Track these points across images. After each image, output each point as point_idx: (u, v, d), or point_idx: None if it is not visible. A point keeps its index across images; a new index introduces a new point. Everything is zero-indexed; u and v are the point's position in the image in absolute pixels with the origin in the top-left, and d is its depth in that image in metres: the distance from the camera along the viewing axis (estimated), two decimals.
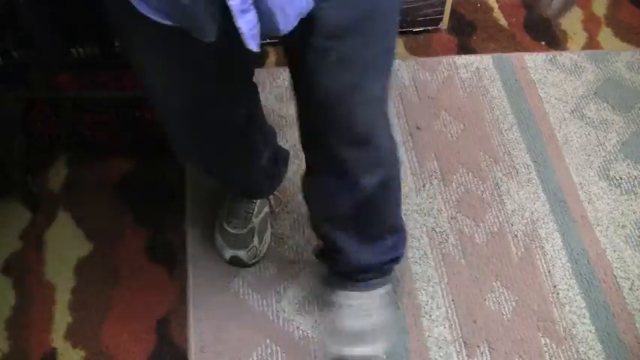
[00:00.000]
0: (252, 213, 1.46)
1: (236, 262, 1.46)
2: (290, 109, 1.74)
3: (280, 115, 1.72)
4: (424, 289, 1.46)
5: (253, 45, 0.81)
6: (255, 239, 1.46)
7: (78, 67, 1.72)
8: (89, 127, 1.58)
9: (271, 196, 1.52)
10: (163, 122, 1.13)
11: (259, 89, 1.78)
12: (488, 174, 1.65)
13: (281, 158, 1.47)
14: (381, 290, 1.31)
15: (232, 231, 1.45)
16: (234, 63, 1.02)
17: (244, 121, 1.19)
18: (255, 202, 1.47)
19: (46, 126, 1.58)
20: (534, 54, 1.91)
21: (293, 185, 1.59)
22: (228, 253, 1.46)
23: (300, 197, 1.57)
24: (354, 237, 1.21)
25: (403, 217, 1.55)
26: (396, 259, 1.30)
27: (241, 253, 1.45)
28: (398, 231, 1.28)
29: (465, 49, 1.93)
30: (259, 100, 1.30)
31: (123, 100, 1.55)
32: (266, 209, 1.51)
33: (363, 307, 1.29)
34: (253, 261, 1.47)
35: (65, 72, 1.70)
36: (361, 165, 1.07)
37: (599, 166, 1.67)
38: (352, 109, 0.99)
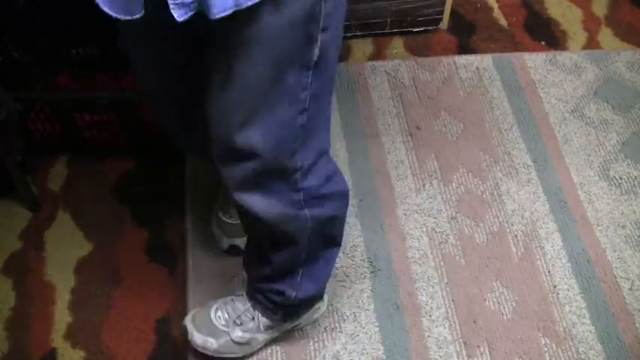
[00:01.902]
0: None
1: (235, 251, 1.46)
2: None
3: None
4: (424, 289, 1.46)
5: (177, 14, 0.81)
6: None
7: (77, 68, 1.72)
8: (89, 127, 1.58)
9: None
10: (158, 116, 1.19)
11: None
12: (488, 174, 1.65)
13: None
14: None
15: (229, 220, 1.46)
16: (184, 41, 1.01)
17: None
18: None
19: (45, 126, 1.58)
20: (534, 54, 1.91)
21: None
22: (226, 242, 1.46)
23: None
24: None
25: (403, 217, 1.56)
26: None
27: (239, 242, 1.45)
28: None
29: (464, 49, 1.93)
30: None
31: (122, 101, 1.55)
32: None
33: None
34: None
35: (65, 72, 1.70)
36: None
37: (599, 166, 1.67)
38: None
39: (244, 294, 1.32)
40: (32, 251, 1.51)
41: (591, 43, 1.97)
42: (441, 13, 1.92)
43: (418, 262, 1.50)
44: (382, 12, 1.87)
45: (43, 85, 1.69)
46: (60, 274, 1.48)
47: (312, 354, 1.37)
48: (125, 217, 1.56)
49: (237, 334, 1.29)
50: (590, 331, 1.41)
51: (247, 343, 1.31)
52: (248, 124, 0.95)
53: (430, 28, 1.95)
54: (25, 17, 1.62)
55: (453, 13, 1.96)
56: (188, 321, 1.31)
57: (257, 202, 1.05)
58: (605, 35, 1.99)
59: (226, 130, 0.97)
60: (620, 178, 1.65)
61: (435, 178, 1.63)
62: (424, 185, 1.62)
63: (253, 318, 1.29)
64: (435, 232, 1.54)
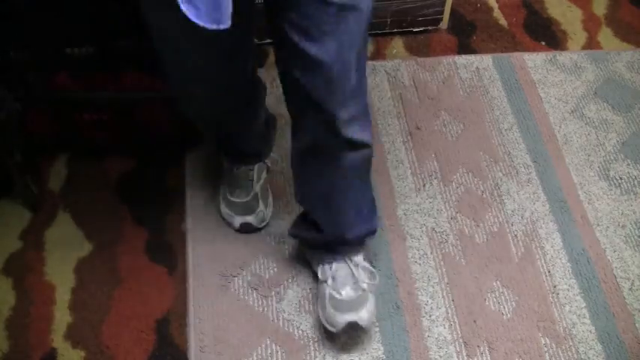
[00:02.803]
0: (252, 180, 1.51)
1: (246, 228, 1.50)
2: None
3: (280, 113, 1.71)
4: (424, 289, 1.46)
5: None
6: (261, 204, 1.51)
7: (77, 68, 1.72)
8: (88, 127, 1.58)
9: (267, 159, 1.57)
10: (182, 84, 1.22)
11: None
12: (488, 174, 1.65)
13: (271, 122, 1.57)
14: (361, 259, 1.37)
15: (237, 200, 1.50)
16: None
17: (252, 76, 1.32)
18: (252, 169, 1.51)
19: (45, 126, 1.58)
20: (534, 54, 1.91)
21: (292, 185, 1.59)
22: (238, 220, 1.50)
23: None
24: (335, 210, 1.31)
25: (403, 217, 1.56)
26: (372, 232, 1.38)
27: (250, 218, 1.49)
28: (372, 201, 1.37)
29: (464, 49, 1.93)
30: (257, 64, 1.39)
31: (122, 100, 1.55)
32: (264, 175, 1.55)
33: (348, 277, 1.35)
34: (263, 224, 1.52)
35: (64, 72, 1.70)
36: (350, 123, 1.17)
37: (599, 166, 1.67)
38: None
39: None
40: (32, 251, 1.51)
41: (591, 43, 1.97)
42: (441, 13, 1.92)
43: (418, 262, 1.50)
44: (382, 12, 1.87)
45: (42, 84, 1.69)
46: (60, 274, 1.48)
47: (312, 354, 1.37)
48: (125, 217, 1.56)
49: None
50: (590, 331, 1.41)
51: None
52: (359, 63, 1.12)
53: (430, 28, 1.95)
54: (23, 17, 1.62)
55: (453, 13, 1.96)
56: None
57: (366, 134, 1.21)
58: (605, 35, 1.99)
59: (346, 74, 1.10)
60: (620, 178, 1.65)
61: (435, 178, 1.63)
62: (424, 185, 1.62)
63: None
64: (435, 232, 1.54)
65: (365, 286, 1.33)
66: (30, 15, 1.62)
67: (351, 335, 1.38)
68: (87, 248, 1.51)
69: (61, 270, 1.48)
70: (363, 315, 1.31)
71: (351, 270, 1.35)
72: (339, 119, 1.14)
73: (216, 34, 0.95)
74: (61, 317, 1.42)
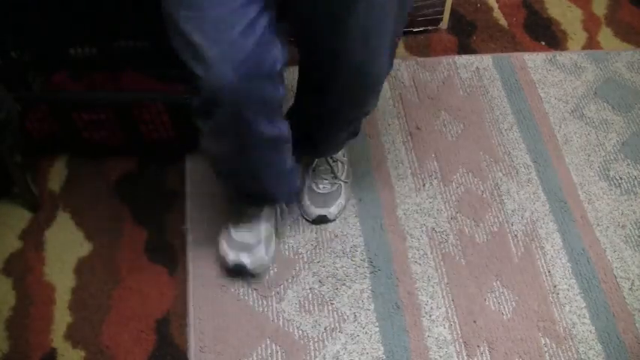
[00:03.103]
0: (259, 220, 1.43)
1: (239, 269, 1.42)
2: None
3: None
4: (424, 289, 1.46)
5: None
6: (262, 246, 1.43)
7: (76, 68, 1.72)
8: (87, 127, 1.58)
9: (279, 207, 1.50)
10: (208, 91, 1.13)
11: None
12: (488, 174, 1.65)
13: (296, 168, 1.44)
14: (341, 155, 1.57)
15: (237, 234, 1.42)
16: None
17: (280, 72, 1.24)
18: (263, 209, 1.44)
19: (44, 126, 1.58)
20: (534, 54, 1.91)
21: None
22: (232, 257, 1.41)
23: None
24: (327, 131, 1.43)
25: (403, 217, 1.56)
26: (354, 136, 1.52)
27: (244, 258, 1.41)
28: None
29: (464, 49, 1.93)
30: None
31: (121, 100, 1.55)
32: (279, 212, 1.49)
33: (327, 171, 1.54)
34: (258, 271, 1.45)
35: (64, 72, 1.70)
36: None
37: (599, 166, 1.67)
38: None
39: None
40: (32, 251, 1.51)
41: (591, 43, 1.97)
42: (441, 13, 1.92)
43: (418, 262, 1.50)
44: None
45: (41, 84, 1.69)
46: (60, 274, 1.48)
47: (312, 354, 1.37)
48: (125, 217, 1.56)
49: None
50: (590, 331, 1.41)
51: None
52: (385, 47, 1.17)
53: (430, 28, 1.95)
54: (23, 17, 1.62)
55: (453, 13, 1.96)
56: None
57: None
58: (605, 35, 1.99)
59: (382, 71, 1.21)
60: (620, 178, 1.65)
61: (435, 178, 1.63)
62: (424, 185, 1.62)
63: None
64: (435, 232, 1.54)
65: (343, 178, 1.55)
66: (30, 15, 1.62)
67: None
68: (87, 248, 1.51)
69: (61, 270, 1.48)
70: (332, 210, 1.53)
71: (331, 166, 1.54)
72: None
73: None
74: (61, 317, 1.42)
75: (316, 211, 1.53)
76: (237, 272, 1.44)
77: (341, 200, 1.55)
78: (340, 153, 1.57)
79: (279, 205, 1.49)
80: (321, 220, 1.53)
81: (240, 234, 1.42)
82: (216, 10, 1.01)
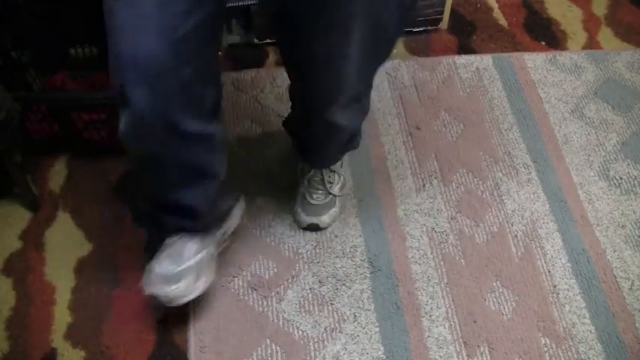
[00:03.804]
0: (182, 256, 1.30)
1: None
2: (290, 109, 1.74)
3: (280, 115, 1.72)
4: (424, 289, 1.46)
5: None
6: (184, 282, 1.29)
7: (76, 68, 1.72)
8: (87, 127, 1.58)
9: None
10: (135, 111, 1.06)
11: (259, 90, 1.79)
12: (488, 174, 1.65)
13: (227, 196, 1.40)
14: (338, 166, 1.56)
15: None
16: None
17: (215, 101, 1.15)
18: (187, 243, 1.32)
19: (44, 126, 1.58)
20: (534, 54, 1.91)
21: (293, 184, 1.59)
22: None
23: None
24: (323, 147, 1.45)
25: (403, 217, 1.56)
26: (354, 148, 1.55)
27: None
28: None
29: (464, 49, 1.93)
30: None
31: None
32: (203, 253, 1.33)
33: (321, 183, 1.53)
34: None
35: (63, 72, 1.70)
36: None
37: (599, 166, 1.67)
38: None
39: None
40: (32, 251, 1.51)
41: (591, 43, 1.97)
42: (441, 13, 1.92)
43: (418, 262, 1.50)
44: None
45: (41, 84, 1.69)
46: (60, 274, 1.48)
47: (312, 354, 1.37)
48: (125, 217, 1.56)
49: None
50: (590, 331, 1.41)
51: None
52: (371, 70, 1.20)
53: (430, 28, 1.95)
54: (23, 17, 1.62)
55: (453, 13, 1.96)
56: None
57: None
58: (605, 35, 1.99)
59: (358, 82, 1.19)
60: (620, 178, 1.65)
61: (435, 178, 1.63)
62: (424, 185, 1.62)
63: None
64: (435, 232, 1.54)
65: (336, 192, 1.54)
66: (30, 15, 1.62)
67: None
68: (87, 248, 1.51)
69: (61, 270, 1.48)
70: (324, 219, 1.52)
71: (324, 177, 1.52)
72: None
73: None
74: (61, 317, 1.42)
75: (307, 219, 1.52)
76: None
77: (335, 209, 1.54)
78: (338, 164, 1.55)
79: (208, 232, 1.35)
80: (313, 227, 1.52)
81: (161, 264, 1.29)
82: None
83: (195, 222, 1.29)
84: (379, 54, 1.18)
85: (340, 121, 1.28)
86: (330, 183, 1.53)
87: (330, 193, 1.53)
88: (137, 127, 1.06)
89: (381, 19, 1.06)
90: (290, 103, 1.50)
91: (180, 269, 1.27)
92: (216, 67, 1.16)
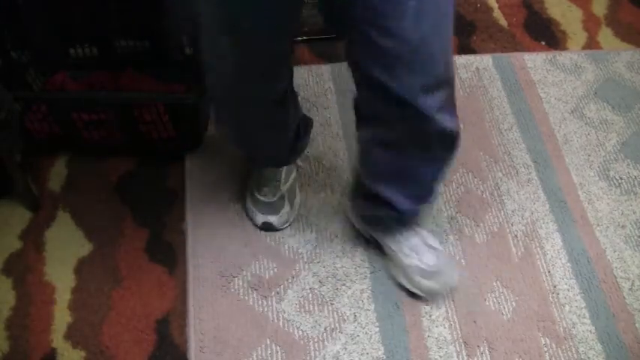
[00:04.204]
0: (279, 181, 1.51)
1: (267, 227, 1.51)
2: None
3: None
4: None
5: None
6: (286, 205, 1.51)
7: (76, 68, 1.72)
8: (87, 127, 1.58)
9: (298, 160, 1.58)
10: (218, 83, 1.21)
11: None
12: (488, 174, 1.65)
13: (304, 130, 1.50)
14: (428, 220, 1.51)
15: (263, 199, 1.50)
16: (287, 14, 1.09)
17: (285, 89, 1.27)
18: (281, 170, 1.51)
19: (44, 126, 1.58)
20: (534, 54, 1.91)
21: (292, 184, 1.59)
22: (260, 218, 1.51)
23: (301, 197, 1.57)
24: (400, 192, 1.32)
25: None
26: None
27: (273, 219, 1.50)
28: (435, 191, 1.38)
29: (464, 49, 1.93)
30: (292, 76, 1.33)
31: (121, 100, 1.55)
32: (293, 175, 1.55)
33: (421, 244, 1.43)
34: (285, 226, 1.53)
35: (63, 72, 1.70)
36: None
37: (599, 166, 1.67)
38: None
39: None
40: (32, 251, 1.51)
41: (591, 43, 1.97)
42: None
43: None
44: None
45: (41, 84, 1.69)
46: (60, 274, 1.48)
47: (312, 354, 1.37)
48: (125, 217, 1.56)
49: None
50: (590, 331, 1.41)
51: None
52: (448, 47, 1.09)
53: None
54: (23, 17, 1.62)
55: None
56: None
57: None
58: (605, 35, 1.99)
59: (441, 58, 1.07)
60: (620, 178, 1.65)
61: None
62: None
63: None
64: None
65: (439, 246, 1.46)
66: (30, 15, 1.62)
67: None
68: (87, 248, 1.51)
69: (61, 270, 1.48)
70: (450, 279, 1.44)
71: (422, 237, 1.44)
72: (427, 109, 1.09)
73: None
74: (61, 317, 1.42)
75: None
76: (266, 229, 1.52)
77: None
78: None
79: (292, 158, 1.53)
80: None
81: (265, 195, 1.50)
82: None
83: (285, 158, 1.50)
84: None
85: (445, 121, 1.16)
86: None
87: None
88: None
89: None
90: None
91: (279, 196, 1.50)
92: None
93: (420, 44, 1.02)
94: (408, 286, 1.43)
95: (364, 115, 1.21)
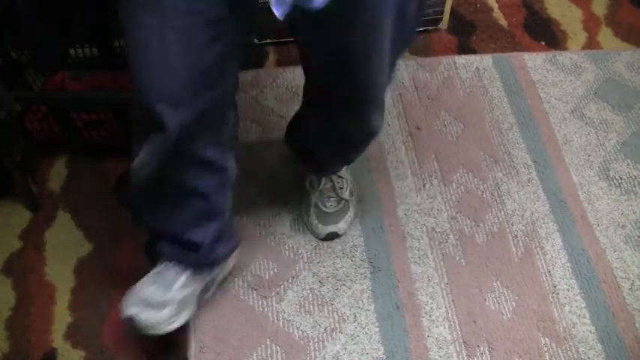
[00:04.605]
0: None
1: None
2: (290, 109, 1.74)
3: (280, 115, 1.72)
4: (424, 289, 1.46)
5: (278, 12, 0.88)
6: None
7: (76, 68, 1.72)
8: (87, 127, 1.58)
9: None
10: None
11: (259, 90, 1.78)
12: (488, 174, 1.65)
13: (232, 224, 1.38)
14: (344, 171, 1.55)
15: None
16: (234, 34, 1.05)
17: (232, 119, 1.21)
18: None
19: (44, 126, 1.58)
20: (534, 54, 1.91)
21: (293, 184, 1.59)
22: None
23: (297, 196, 1.57)
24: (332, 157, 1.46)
25: (404, 217, 1.56)
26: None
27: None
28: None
29: (464, 49, 1.93)
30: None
31: (121, 101, 1.55)
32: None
33: (332, 190, 1.53)
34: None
35: (63, 72, 1.70)
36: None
37: (599, 166, 1.67)
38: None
39: None
40: (32, 251, 1.51)
41: (591, 43, 1.97)
42: (441, 13, 1.92)
43: (418, 262, 1.50)
44: None
45: (41, 84, 1.69)
46: (60, 274, 1.48)
47: (312, 354, 1.37)
48: (125, 217, 1.55)
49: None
50: (590, 331, 1.41)
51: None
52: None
53: (430, 28, 1.95)
54: (23, 17, 1.62)
55: (453, 13, 1.96)
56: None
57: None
58: (605, 35, 1.99)
59: (380, 85, 1.18)
60: (620, 178, 1.65)
61: (435, 178, 1.63)
62: (424, 185, 1.62)
63: None
64: (435, 232, 1.54)
65: (347, 196, 1.52)
66: (30, 15, 1.62)
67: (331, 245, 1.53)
68: (87, 248, 1.51)
69: (61, 270, 1.48)
70: (341, 226, 1.52)
71: (334, 183, 1.51)
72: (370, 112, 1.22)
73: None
74: (61, 317, 1.42)
75: (325, 229, 1.51)
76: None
77: (349, 214, 1.54)
78: (344, 170, 1.55)
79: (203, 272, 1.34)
80: (332, 236, 1.52)
81: (147, 287, 1.29)
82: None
83: (193, 257, 1.28)
84: (402, 46, 1.22)
85: (375, 121, 1.26)
86: (341, 188, 1.53)
87: (342, 199, 1.53)
88: (164, 153, 1.08)
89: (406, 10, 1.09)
90: (295, 111, 1.48)
91: (165, 298, 1.27)
92: (235, 93, 1.18)
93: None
94: (308, 227, 1.53)
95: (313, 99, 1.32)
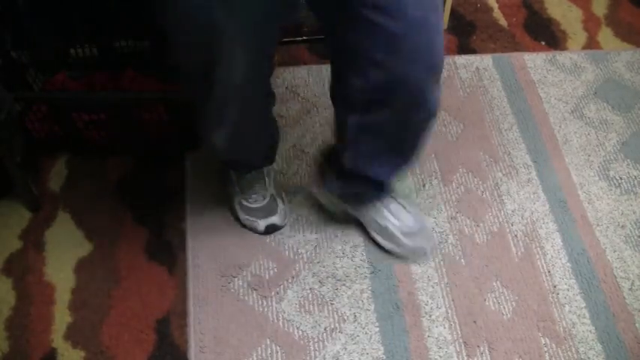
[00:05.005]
0: (265, 182, 1.53)
1: (272, 229, 1.52)
2: (290, 109, 1.74)
3: (280, 115, 1.72)
4: (424, 289, 1.46)
5: None
6: (279, 202, 1.53)
7: (76, 68, 1.72)
8: (88, 127, 1.58)
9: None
10: (228, 85, 1.14)
11: None
12: (488, 174, 1.65)
13: (276, 126, 1.52)
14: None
15: (255, 205, 1.51)
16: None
17: (268, 86, 1.32)
18: (262, 171, 1.53)
19: (44, 126, 1.58)
20: (534, 54, 1.91)
21: (293, 184, 1.59)
22: (262, 223, 1.51)
23: (299, 197, 1.58)
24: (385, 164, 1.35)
25: None
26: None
27: (274, 219, 1.51)
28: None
29: (464, 49, 1.93)
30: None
31: (121, 101, 1.55)
32: (273, 174, 1.57)
33: (401, 207, 1.49)
34: (285, 221, 1.54)
35: (63, 72, 1.71)
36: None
37: (599, 166, 1.67)
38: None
39: None
40: (32, 251, 1.51)
41: (591, 43, 1.97)
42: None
43: (418, 263, 1.50)
44: None
45: (41, 84, 1.69)
46: (60, 274, 1.48)
47: (312, 354, 1.37)
48: (125, 217, 1.56)
49: None
50: (590, 331, 1.41)
51: None
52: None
53: None
54: (23, 17, 1.62)
55: (453, 13, 1.96)
56: None
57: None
58: (605, 35, 1.99)
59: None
60: (620, 178, 1.65)
61: (435, 178, 1.63)
62: (424, 185, 1.62)
63: None
64: (435, 232, 1.54)
65: (417, 210, 1.53)
66: (30, 15, 1.62)
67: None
68: (87, 248, 1.51)
69: (61, 270, 1.48)
70: (431, 238, 1.52)
71: (399, 202, 1.49)
72: (428, 92, 1.15)
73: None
74: (61, 317, 1.42)
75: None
76: (271, 231, 1.52)
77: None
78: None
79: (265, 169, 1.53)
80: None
81: (256, 201, 1.51)
82: None
83: (269, 158, 1.52)
84: None
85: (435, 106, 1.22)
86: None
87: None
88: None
89: None
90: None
91: (268, 198, 1.51)
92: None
93: (423, 23, 1.05)
94: (391, 247, 1.48)
95: (352, 103, 1.20)
